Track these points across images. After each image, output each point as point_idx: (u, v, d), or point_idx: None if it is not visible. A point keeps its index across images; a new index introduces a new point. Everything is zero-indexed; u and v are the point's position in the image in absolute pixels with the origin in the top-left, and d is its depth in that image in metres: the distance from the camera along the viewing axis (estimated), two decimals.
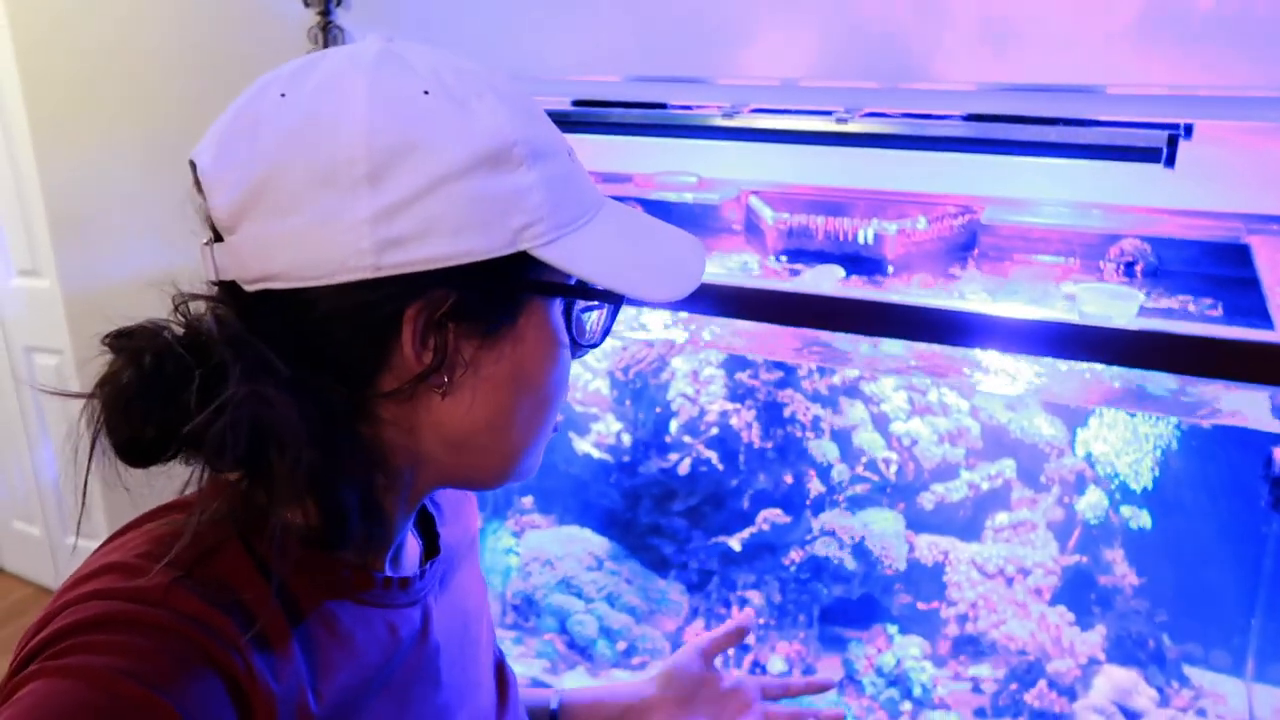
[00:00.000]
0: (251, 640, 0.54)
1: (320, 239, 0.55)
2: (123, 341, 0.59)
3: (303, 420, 0.55)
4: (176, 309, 0.60)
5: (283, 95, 0.57)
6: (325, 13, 2.19)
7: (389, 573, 0.67)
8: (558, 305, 0.63)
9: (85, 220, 2.66)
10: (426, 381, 0.59)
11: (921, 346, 1.39)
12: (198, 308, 0.60)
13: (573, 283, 0.63)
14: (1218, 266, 1.55)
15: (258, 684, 0.53)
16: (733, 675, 0.95)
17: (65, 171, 2.63)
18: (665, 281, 0.64)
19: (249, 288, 0.58)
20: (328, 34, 2.20)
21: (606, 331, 0.68)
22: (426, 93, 0.56)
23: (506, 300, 0.60)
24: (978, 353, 1.45)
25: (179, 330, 0.59)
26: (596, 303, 0.66)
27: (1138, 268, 1.58)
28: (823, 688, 0.98)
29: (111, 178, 2.58)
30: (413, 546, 0.73)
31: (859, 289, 1.50)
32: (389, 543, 0.67)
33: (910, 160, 1.68)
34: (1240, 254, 1.53)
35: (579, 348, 0.66)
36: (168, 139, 2.47)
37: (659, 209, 1.88)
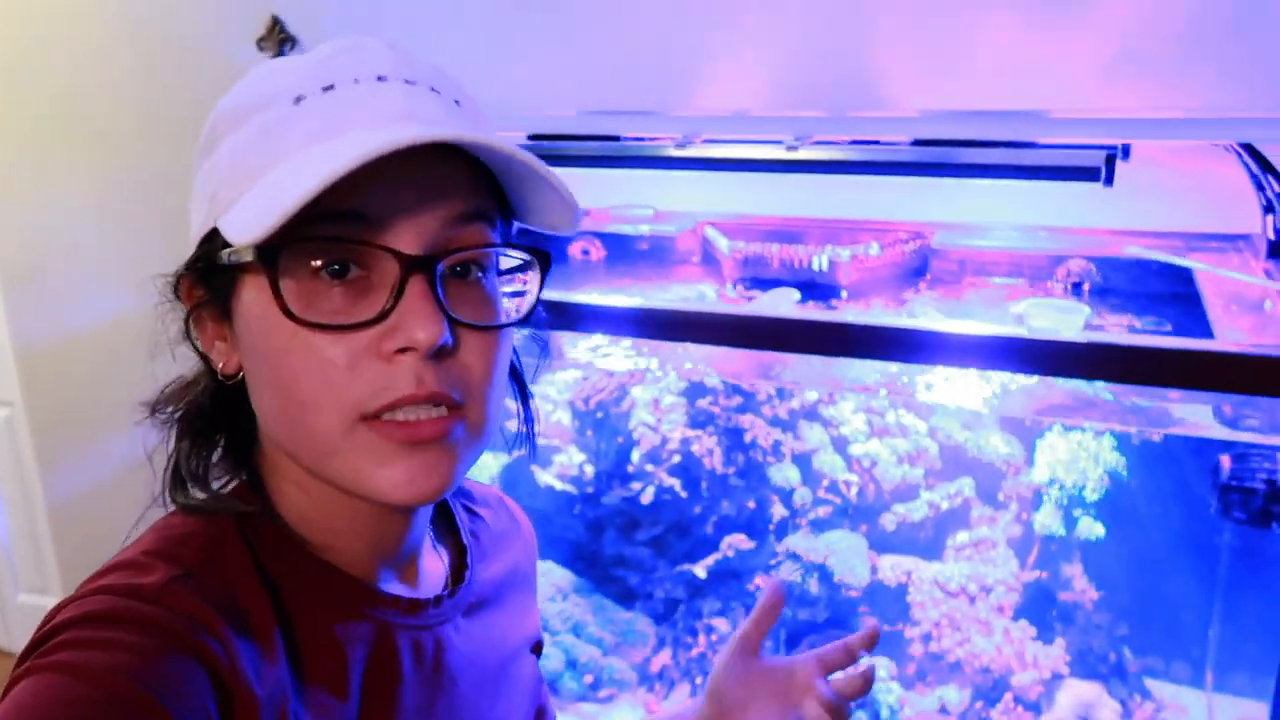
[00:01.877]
0: (239, 640, 0.55)
1: None
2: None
3: (204, 391, 0.64)
4: None
5: None
6: (279, 55, 2.21)
7: (393, 591, 0.66)
8: (271, 278, 0.55)
9: (38, 270, 2.62)
10: (220, 373, 0.62)
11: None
12: None
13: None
14: (1160, 285, 1.59)
15: (240, 682, 0.53)
16: (782, 660, 0.82)
17: (18, 220, 2.60)
18: (266, 212, 0.51)
19: None
20: None
21: (393, 305, 0.55)
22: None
23: (216, 280, 0.58)
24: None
25: None
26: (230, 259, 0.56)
27: (1084, 287, 1.62)
28: (872, 640, 0.83)
29: (66, 226, 2.56)
30: (436, 574, 0.72)
31: (814, 311, 1.52)
32: (371, 551, 0.64)
33: (861, 187, 1.72)
34: (1181, 272, 1.57)
35: (300, 321, 0.54)
36: (123, 186, 2.45)
37: (616, 242, 1.90)
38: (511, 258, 0.61)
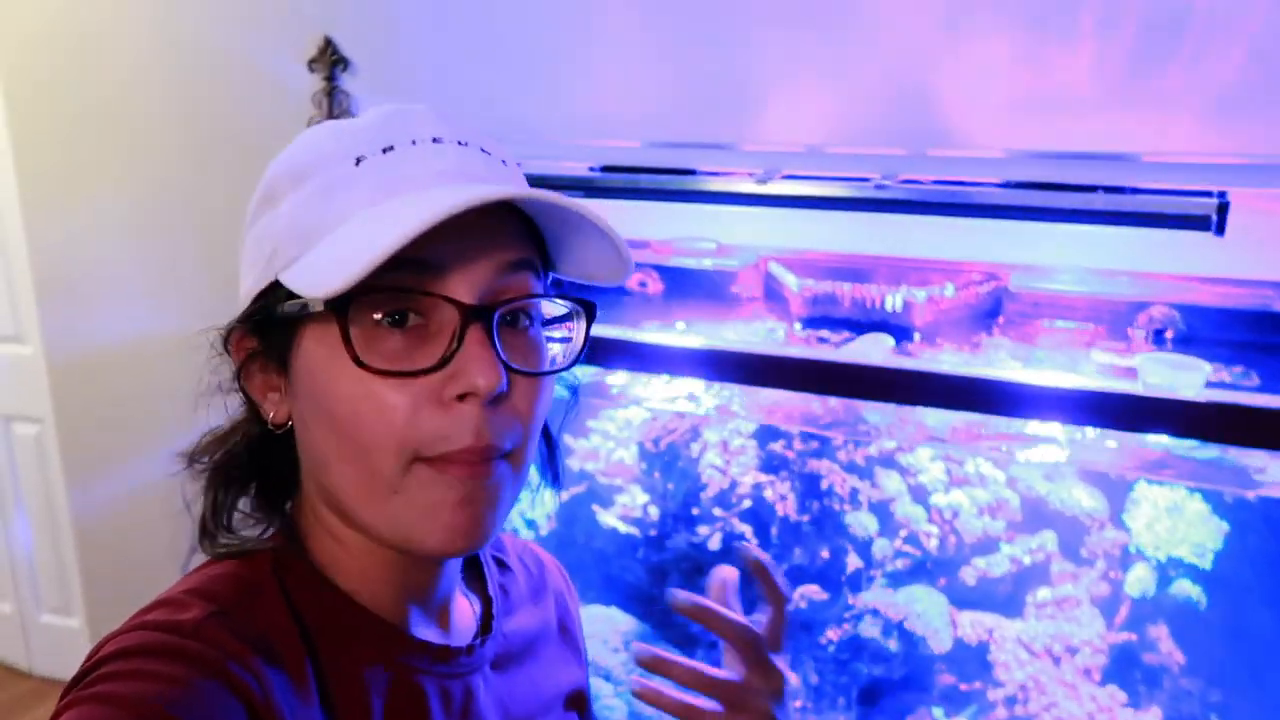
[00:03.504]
0: (273, 676, 0.56)
1: None
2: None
3: (241, 441, 0.67)
4: None
5: None
6: (330, 78, 2.16)
7: (425, 637, 0.67)
8: (331, 327, 0.57)
9: (73, 286, 2.58)
10: (271, 423, 0.64)
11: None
12: None
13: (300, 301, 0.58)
14: (1250, 334, 1.53)
15: (274, 716, 0.55)
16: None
17: (54, 235, 2.56)
18: (344, 266, 0.53)
19: None
20: (333, 99, 2.17)
21: (453, 351, 0.57)
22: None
23: (277, 332, 0.61)
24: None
25: None
26: (305, 311, 0.58)
27: (1168, 335, 1.56)
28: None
29: (103, 242, 2.51)
30: (467, 621, 0.72)
31: (921, 361, 1.45)
32: (402, 595, 0.66)
33: (927, 226, 1.65)
34: (1274, 321, 1.51)
35: (369, 369, 0.56)
36: (164, 204, 2.41)
37: (675, 276, 1.84)
38: (559, 306, 0.64)
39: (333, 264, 0.54)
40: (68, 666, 3.21)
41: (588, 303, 0.64)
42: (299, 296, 0.57)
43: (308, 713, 0.58)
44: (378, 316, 0.56)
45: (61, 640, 2.92)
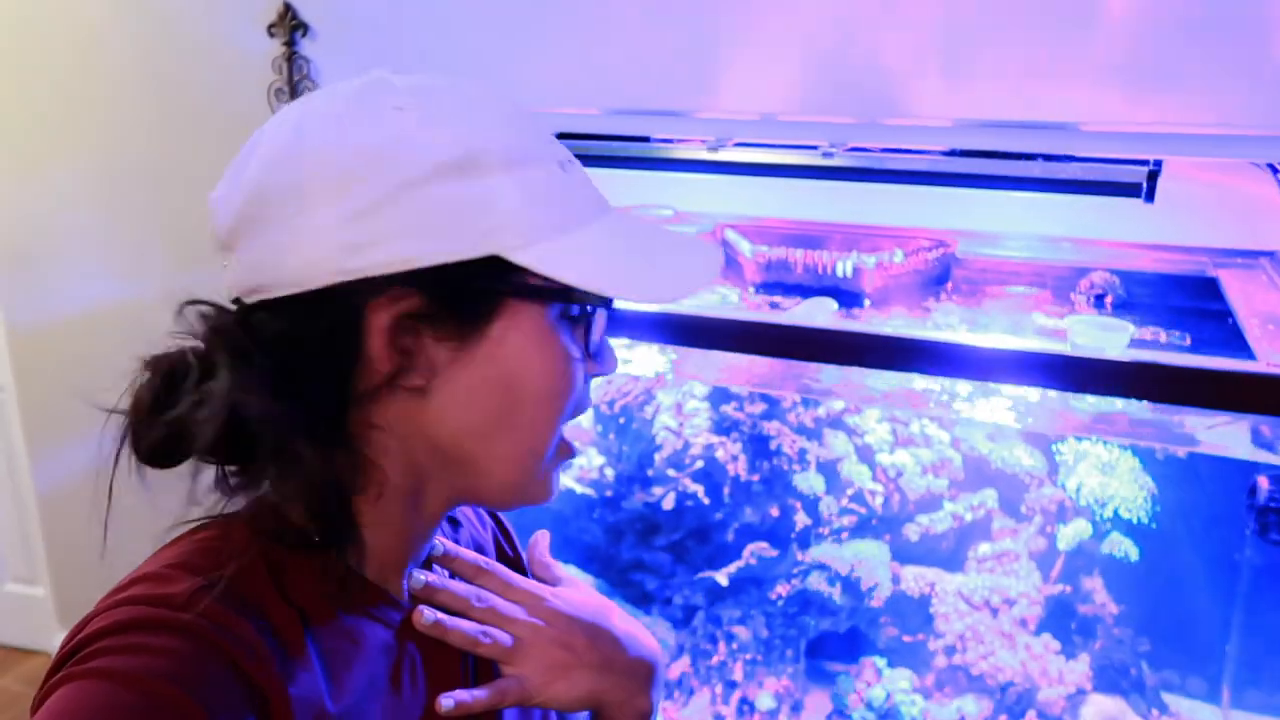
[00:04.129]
0: (269, 645, 0.56)
1: (293, 248, 0.57)
2: (151, 359, 0.62)
3: (281, 412, 0.58)
4: (183, 315, 0.63)
5: (283, 119, 0.61)
6: (290, 43, 2.16)
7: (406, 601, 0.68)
8: (550, 311, 0.62)
9: (35, 254, 2.57)
10: (401, 384, 0.60)
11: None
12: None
13: (553, 288, 0.61)
14: (1186, 299, 1.59)
15: (274, 684, 0.55)
16: None
17: (13, 203, 2.54)
18: (657, 282, 0.63)
19: (247, 300, 0.61)
20: (292, 64, 2.17)
21: (600, 340, 0.67)
22: (399, 109, 0.59)
23: (477, 302, 0.60)
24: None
25: (198, 342, 0.62)
26: (578, 305, 0.63)
27: (1107, 300, 1.61)
28: None
29: (62, 210, 2.50)
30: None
31: (863, 324, 1.50)
32: (402, 560, 0.67)
33: (881, 194, 1.70)
34: (1208, 286, 1.57)
35: (583, 359, 0.64)
36: (127, 172, 2.40)
37: None
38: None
39: (637, 273, 0.62)
40: (33, 635, 3.14)
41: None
42: (517, 271, 0.58)
43: (307, 676, 0.58)
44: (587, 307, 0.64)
45: (27, 609, 2.93)
